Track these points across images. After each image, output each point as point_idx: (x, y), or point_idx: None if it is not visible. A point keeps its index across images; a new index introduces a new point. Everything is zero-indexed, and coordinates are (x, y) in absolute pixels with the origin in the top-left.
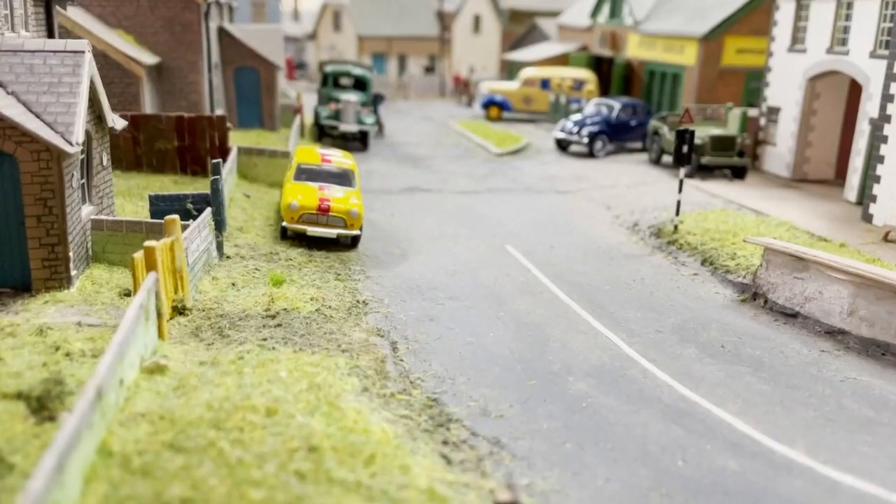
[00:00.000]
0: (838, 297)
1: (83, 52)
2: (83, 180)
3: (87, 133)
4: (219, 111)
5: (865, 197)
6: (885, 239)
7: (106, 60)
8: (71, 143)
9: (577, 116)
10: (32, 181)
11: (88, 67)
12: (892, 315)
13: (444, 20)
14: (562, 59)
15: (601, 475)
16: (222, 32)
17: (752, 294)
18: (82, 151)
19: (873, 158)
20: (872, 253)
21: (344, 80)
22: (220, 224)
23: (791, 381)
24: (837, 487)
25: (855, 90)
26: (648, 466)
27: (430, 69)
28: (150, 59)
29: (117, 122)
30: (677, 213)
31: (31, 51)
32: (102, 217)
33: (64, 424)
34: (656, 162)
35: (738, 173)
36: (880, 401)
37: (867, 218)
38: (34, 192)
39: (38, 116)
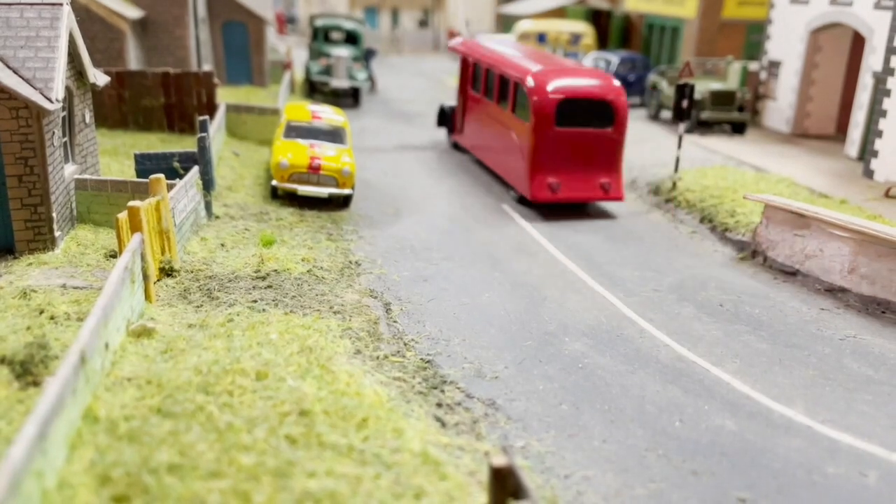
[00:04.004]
0: (839, 254)
1: (61, 4)
2: (65, 139)
3: (68, 89)
4: (206, 67)
5: (867, 152)
6: (887, 195)
7: (88, 14)
8: (50, 100)
9: None
10: (12, 139)
11: (67, 21)
12: (893, 272)
13: None
14: (559, 12)
15: (598, 436)
16: None
17: (752, 252)
18: (64, 108)
19: (875, 113)
20: (874, 209)
21: (335, 35)
22: (207, 183)
23: (790, 340)
24: (836, 447)
25: (858, 43)
26: (646, 427)
27: (423, 23)
28: (134, 13)
29: (99, 77)
30: (676, 169)
31: (7, 3)
32: (86, 176)
33: (46, 390)
34: (655, 117)
35: (738, 129)
36: (880, 359)
37: (868, 174)
38: (14, 150)
39: (15, 72)
